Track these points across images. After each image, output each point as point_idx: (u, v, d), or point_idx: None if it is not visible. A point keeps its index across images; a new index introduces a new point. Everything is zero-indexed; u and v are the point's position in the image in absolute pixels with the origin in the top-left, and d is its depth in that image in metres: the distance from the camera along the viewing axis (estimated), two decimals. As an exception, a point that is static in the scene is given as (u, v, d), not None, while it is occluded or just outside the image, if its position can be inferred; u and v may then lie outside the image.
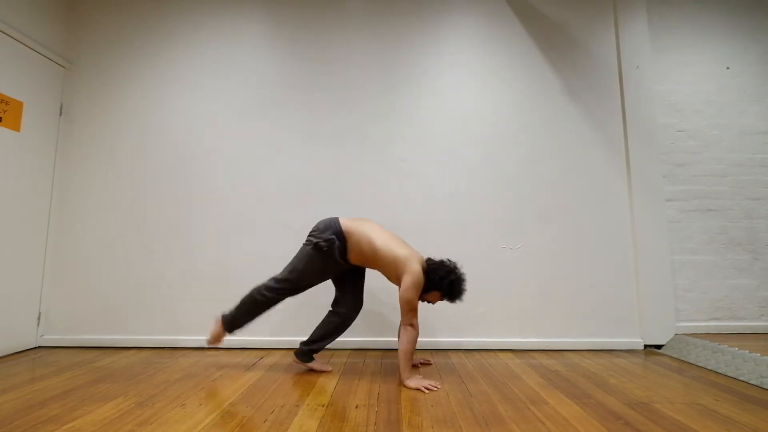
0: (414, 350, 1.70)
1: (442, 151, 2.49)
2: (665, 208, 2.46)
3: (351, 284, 1.91)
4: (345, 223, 1.79)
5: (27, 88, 2.29)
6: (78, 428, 1.23)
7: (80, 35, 2.60)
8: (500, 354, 2.22)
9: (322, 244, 1.73)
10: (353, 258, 1.79)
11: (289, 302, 2.35)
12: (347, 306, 1.88)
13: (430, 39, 2.58)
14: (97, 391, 1.56)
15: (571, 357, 2.16)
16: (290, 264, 1.83)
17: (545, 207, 2.44)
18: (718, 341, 2.10)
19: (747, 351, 1.85)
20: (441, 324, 2.35)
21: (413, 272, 1.66)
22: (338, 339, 2.29)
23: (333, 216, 1.85)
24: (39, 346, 2.33)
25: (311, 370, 1.88)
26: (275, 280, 1.82)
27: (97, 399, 1.48)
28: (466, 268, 2.38)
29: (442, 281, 1.69)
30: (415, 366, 1.96)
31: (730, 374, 1.82)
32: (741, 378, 1.76)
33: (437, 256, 1.86)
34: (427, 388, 1.59)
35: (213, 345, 1.88)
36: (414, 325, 1.67)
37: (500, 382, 1.72)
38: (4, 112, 2.15)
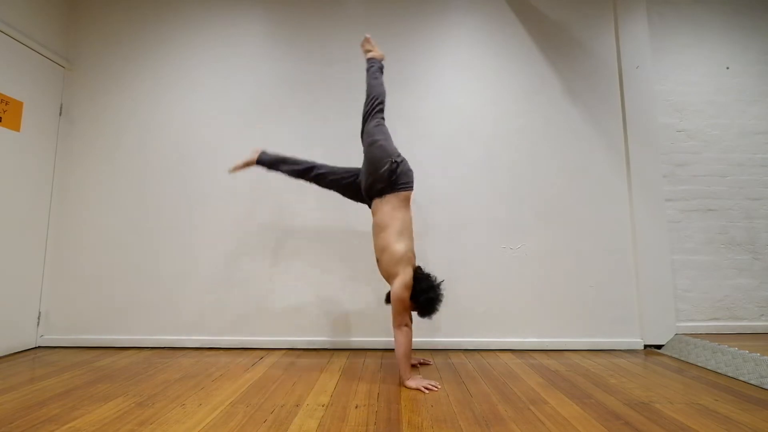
0: (411, 349, 1.69)
1: (442, 150, 2.49)
2: (665, 208, 2.46)
3: (345, 186, 1.92)
4: (409, 192, 1.78)
5: (27, 88, 2.29)
6: (78, 428, 1.23)
7: (80, 35, 2.60)
8: (500, 354, 2.22)
9: (396, 162, 1.74)
10: (374, 207, 1.78)
11: (288, 302, 2.36)
12: (319, 177, 1.93)
13: (431, 39, 2.58)
14: (97, 391, 1.56)
15: (571, 357, 2.16)
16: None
17: (545, 207, 2.44)
18: (718, 341, 2.10)
19: (747, 351, 1.85)
20: (441, 324, 2.35)
21: (408, 273, 1.66)
22: (338, 339, 2.32)
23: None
24: (39, 346, 2.33)
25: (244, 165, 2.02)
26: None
27: (97, 399, 1.48)
28: (466, 268, 2.39)
29: (420, 295, 1.67)
30: (414, 366, 1.96)
31: (730, 374, 1.82)
32: (741, 378, 1.76)
33: (426, 268, 1.80)
34: (427, 388, 1.59)
35: (237, 168, 2.00)
36: (408, 325, 1.67)
37: (500, 382, 1.72)
38: (4, 112, 2.15)
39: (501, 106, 2.53)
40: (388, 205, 1.74)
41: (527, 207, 2.44)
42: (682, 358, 2.11)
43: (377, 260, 1.78)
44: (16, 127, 2.22)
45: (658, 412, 1.39)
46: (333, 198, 2.44)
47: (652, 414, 1.36)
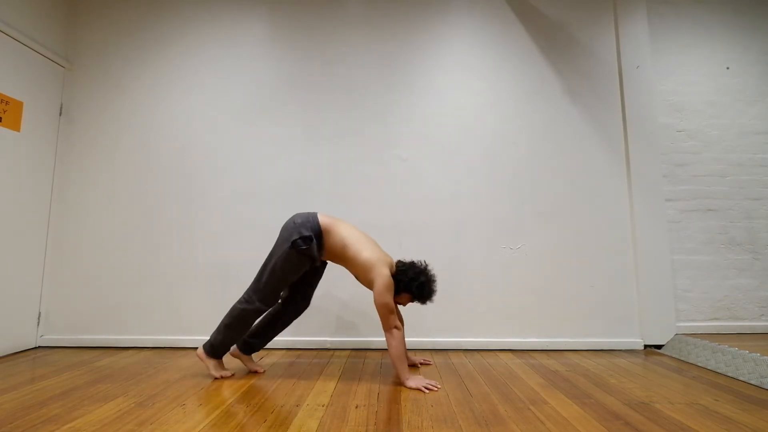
0: (405, 350, 1.69)
1: (443, 150, 2.49)
2: (665, 208, 2.46)
3: (306, 282, 1.88)
4: (323, 220, 1.75)
5: (27, 88, 2.29)
6: (78, 428, 1.23)
7: (80, 35, 2.60)
8: (500, 354, 2.22)
9: (300, 242, 1.67)
10: (326, 255, 1.77)
11: (289, 302, 2.35)
12: (296, 303, 1.86)
13: (431, 39, 2.58)
14: (97, 391, 1.56)
15: (571, 357, 2.16)
16: (267, 270, 1.72)
17: (545, 207, 2.44)
18: (718, 341, 2.10)
19: (747, 351, 1.85)
20: (441, 324, 2.35)
21: (382, 275, 1.63)
22: (338, 339, 2.32)
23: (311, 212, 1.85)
24: (39, 346, 2.33)
25: (249, 372, 1.83)
26: (257, 292, 1.71)
27: (97, 399, 1.48)
28: (466, 268, 2.39)
29: (411, 283, 1.68)
30: (415, 366, 1.96)
31: (730, 374, 1.82)
32: (741, 378, 1.76)
33: (417, 257, 1.82)
34: (427, 388, 1.59)
35: (225, 375, 1.76)
36: (398, 327, 1.64)
37: (500, 382, 1.72)
38: (4, 112, 2.15)
39: (501, 105, 2.53)
40: (329, 244, 1.74)
41: (527, 207, 2.44)
42: (682, 358, 2.12)
43: (356, 278, 1.79)
44: (16, 127, 2.22)
45: (658, 412, 1.39)
46: (334, 197, 2.45)
47: (652, 414, 1.36)
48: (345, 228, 1.76)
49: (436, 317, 2.35)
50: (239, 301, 1.74)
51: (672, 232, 2.51)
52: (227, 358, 1.89)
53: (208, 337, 1.80)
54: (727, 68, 2.66)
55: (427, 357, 2.12)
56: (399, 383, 1.68)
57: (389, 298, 1.63)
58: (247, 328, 1.74)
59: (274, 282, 1.71)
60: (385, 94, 2.53)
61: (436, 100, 2.53)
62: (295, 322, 2.31)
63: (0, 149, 2.13)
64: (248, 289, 1.75)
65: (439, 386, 1.63)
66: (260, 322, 1.86)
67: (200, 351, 1.77)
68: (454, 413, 1.37)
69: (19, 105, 2.24)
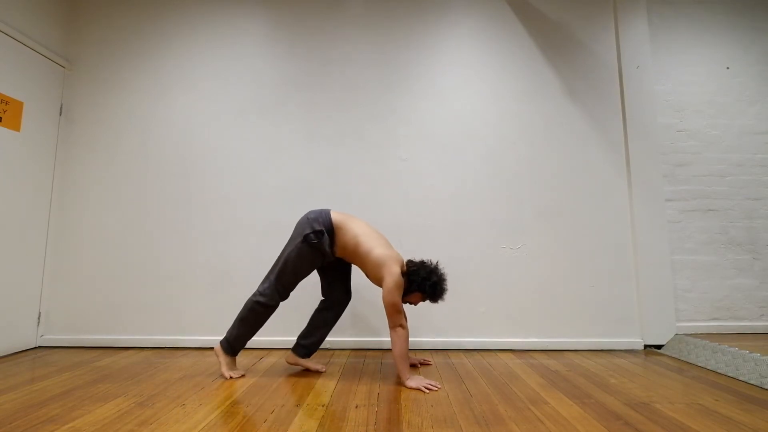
0: (408, 350, 1.69)
1: (442, 150, 2.49)
2: (665, 208, 2.46)
3: (339, 274, 1.90)
4: (335, 217, 1.77)
5: (27, 88, 2.29)
6: (78, 428, 1.23)
7: (80, 35, 2.60)
8: (500, 354, 2.22)
9: (312, 236, 1.70)
10: (338, 251, 1.78)
11: (289, 301, 2.36)
12: (337, 297, 1.88)
13: (430, 39, 2.58)
14: (97, 391, 1.56)
15: (571, 357, 2.16)
16: (280, 264, 1.75)
17: (545, 207, 2.44)
18: (718, 341, 2.10)
19: (747, 351, 1.85)
20: (441, 324, 2.35)
21: (393, 273, 1.64)
22: (338, 339, 2.31)
23: (324, 208, 1.85)
24: (39, 346, 2.33)
25: (306, 370, 1.87)
26: (270, 285, 1.75)
27: (97, 399, 1.48)
28: (466, 268, 2.39)
29: (424, 282, 1.68)
30: (415, 366, 1.96)
31: (730, 374, 1.82)
32: (741, 378, 1.76)
33: (417, 257, 1.83)
34: (427, 388, 1.59)
35: (234, 376, 1.76)
36: (403, 326, 1.65)
37: (500, 382, 1.72)
38: (4, 112, 2.15)
39: (501, 105, 2.53)
40: (341, 240, 1.74)
41: (527, 207, 2.44)
42: (682, 358, 2.11)
43: (366, 275, 1.78)
44: (16, 127, 2.22)
45: (658, 412, 1.39)
46: (334, 197, 2.45)
47: (652, 414, 1.36)
48: (358, 224, 1.78)
49: (436, 317, 2.35)
50: (253, 295, 1.77)
51: (672, 232, 2.51)
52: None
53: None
54: (727, 68, 2.66)
55: (427, 357, 2.12)
56: (399, 383, 1.68)
57: (398, 297, 1.64)
58: (262, 322, 1.76)
59: (286, 276, 1.74)
60: (385, 94, 2.53)
61: (437, 100, 2.53)
62: (296, 323, 2.33)
63: (0, 149, 2.13)
64: (262, 282, 1.78)
65: (439, 386, 1.63)
66: (309, 322, 1.88)
67: (217, 347, 1.81)
68: (454, 413, 1.37)
69: (19, 105, 2.24)
